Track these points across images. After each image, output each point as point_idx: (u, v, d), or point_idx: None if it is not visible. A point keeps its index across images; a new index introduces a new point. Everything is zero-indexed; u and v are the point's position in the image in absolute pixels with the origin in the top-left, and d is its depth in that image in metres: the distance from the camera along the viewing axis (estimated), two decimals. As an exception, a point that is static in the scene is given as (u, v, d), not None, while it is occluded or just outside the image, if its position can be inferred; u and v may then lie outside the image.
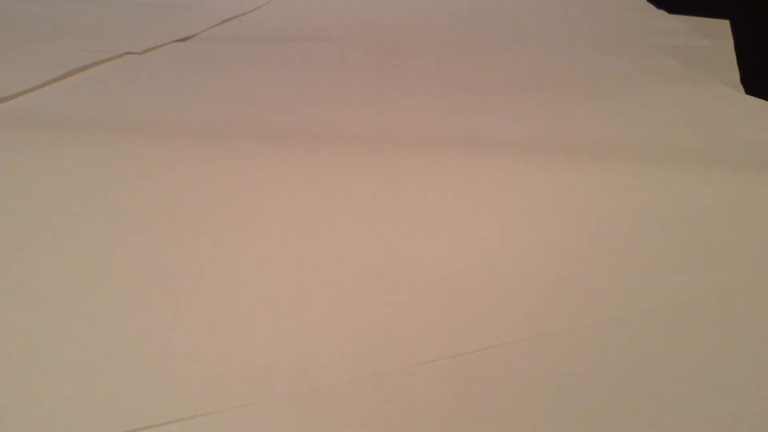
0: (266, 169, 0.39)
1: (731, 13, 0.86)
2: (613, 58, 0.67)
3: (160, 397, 0.22)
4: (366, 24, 0.85)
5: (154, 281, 0.28)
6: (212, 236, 0.32)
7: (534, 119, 0.49)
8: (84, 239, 0.31)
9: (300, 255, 0.30)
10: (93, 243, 0.31)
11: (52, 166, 0.39)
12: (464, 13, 0.93)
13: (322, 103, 0.52)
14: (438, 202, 0.35)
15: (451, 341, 0.24)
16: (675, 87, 0.57)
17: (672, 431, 0.20)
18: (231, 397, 0.22)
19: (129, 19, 0.84)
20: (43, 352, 0.24)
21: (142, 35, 0.74)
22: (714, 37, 0.76)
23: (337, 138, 0.44)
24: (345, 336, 0.25)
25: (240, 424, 0.21)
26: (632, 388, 0.22)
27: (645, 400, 0.22)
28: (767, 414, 0.21)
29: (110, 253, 0.30)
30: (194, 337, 0.25)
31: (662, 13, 0.92)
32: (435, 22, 0.87)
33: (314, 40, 0.75)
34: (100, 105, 0.51)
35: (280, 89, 0.56)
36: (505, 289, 0.27)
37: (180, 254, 0.30)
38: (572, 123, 0.48)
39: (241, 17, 0.87)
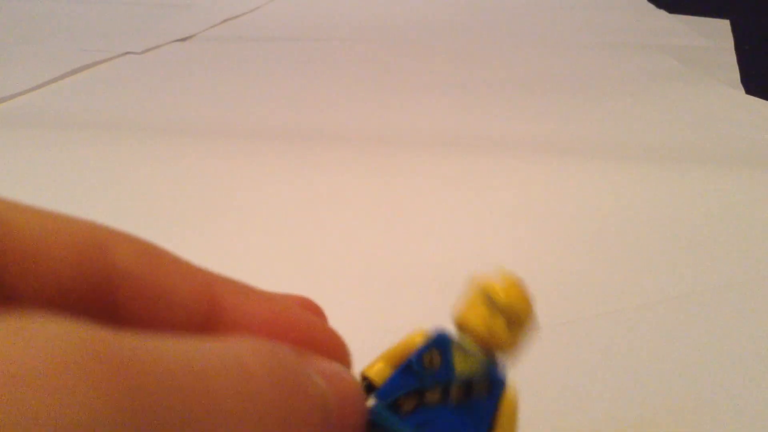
0: (266, 167, 0.39)
1: (731, 13, 0.86)
2: (613, 58, 0.67)
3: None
4: (366, 24, 0.85)
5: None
6: (212, 234, 0.32)
7: (534, 119, 0.49)
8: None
9: (300, 252, 0.30)
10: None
11: (52, 165, 0.39)
12: (464, 13, 0.93)
13: (322, 102, 0.52)
14: (438, 200, 0.35)
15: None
16: (675, 87, 0.57)
17: (669, 426, 0.20)
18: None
19: (129, 19, 0.84)
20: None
21: (142, 35, 0.74)
22: (714, 37, 0.76)
23: (338, 136, 0.44)
24: (345, 333, 0.25)
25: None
26: (629, 383, 0.22)
27: (642, 395, 0.22)
28: (763, 409, 0.21)
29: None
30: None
31: (662, 13, 0.91)
32: (435, 22, 0.87)
33: (314, 40, 0.75)
34: (100, 105, 0.51)
35: (280, 88, 0.56)
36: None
37: (180, 253, 0.30)
38: (572, 123, 0.48)
39: (241, 17, 0.87)
